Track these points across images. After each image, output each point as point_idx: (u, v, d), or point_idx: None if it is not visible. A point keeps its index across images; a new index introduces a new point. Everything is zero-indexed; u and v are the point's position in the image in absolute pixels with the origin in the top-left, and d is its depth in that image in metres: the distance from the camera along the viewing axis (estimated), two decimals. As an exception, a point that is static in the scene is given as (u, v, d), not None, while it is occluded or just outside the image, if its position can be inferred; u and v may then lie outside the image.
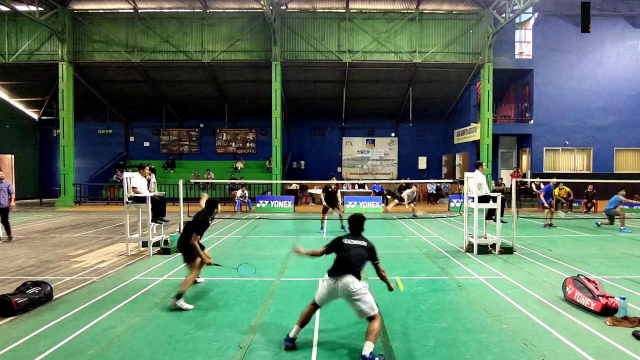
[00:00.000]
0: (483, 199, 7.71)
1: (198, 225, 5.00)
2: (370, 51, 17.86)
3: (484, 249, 7.74)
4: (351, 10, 17.88)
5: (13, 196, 9.46)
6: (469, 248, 7.91)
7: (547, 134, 18.43)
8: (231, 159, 22.75)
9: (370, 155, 23.21)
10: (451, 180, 19.56)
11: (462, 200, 12.59)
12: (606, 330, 4.06)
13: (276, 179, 17.60)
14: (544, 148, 18.52)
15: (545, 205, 11.68)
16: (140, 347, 3.73)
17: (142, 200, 7.56)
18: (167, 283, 5.81)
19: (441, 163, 23.27)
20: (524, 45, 19.08)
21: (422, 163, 22.93)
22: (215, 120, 22.48)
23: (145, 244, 7.93)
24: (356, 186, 19.70)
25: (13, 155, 21.40)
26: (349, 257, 3.68)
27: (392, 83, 20.16)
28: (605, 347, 3.69)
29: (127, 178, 7.60)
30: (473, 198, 7.66)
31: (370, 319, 3.53)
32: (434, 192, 20.05)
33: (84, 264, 7.03)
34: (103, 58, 18.06)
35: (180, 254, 5.33)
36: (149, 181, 7.99)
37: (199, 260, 4.97)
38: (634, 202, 12.99)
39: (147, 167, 7.98)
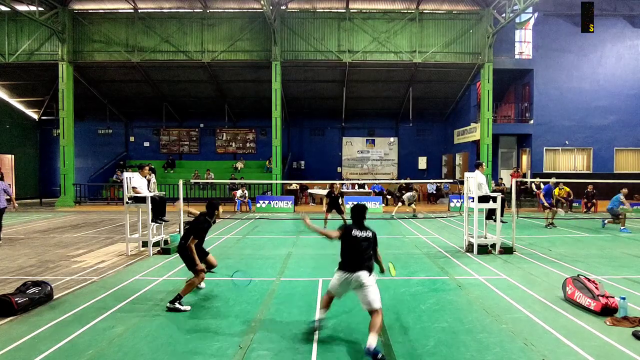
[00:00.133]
0: (483, 199, 7.71)
1: (196, 228, 4.94)
2: (370, 51, 17.86)
3: (484, 249, 7.74)
4: (351, 10, 17.88)
5: (13, 197, 9.38)
6: (469, 248, 7.91)
7: (547, 134, 18.43)
8: (231, 159, 22.75)
9: (370, 155, 23.21)
10: (451, 180, 19.57)
11: (462, 200, 12.59)
12: (606, 330, 4.06)
13: (276, 179, 17.60)
14: (544, 148, 18.53)
15: (546, 204, 11.67)
16: (140, 347, 3.73)
17: (142, 200, 7.56)
18: (167, 283, 5.81)
19: (441, 163, 23.27)
20: (524, 45, 19.09)
21: (422, 163, 22.93)
22: (215, 120, 22.48)
23: (145, 244, 7.93)
24: (356, 186, 19.70)
25: (13, 155, 21.41)
26: (361, 252, 3.86)
27: (392, 83, 20.16)
28: (605, 347, 3.69)
29: (127, 178, 7.60)
30: (473, 198, 7.66)
31: (374, 312, 3.66)
32: (434, 192, 20.06)
33: (84, 264, 7.03)
34: (103, 58, 18.06)
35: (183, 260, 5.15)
36: (149, 181, 8.00)
37: (202, 266, 4.88)
38: (634, 202, 12.99)
39: (147, 167, 7.98)
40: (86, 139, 22.47)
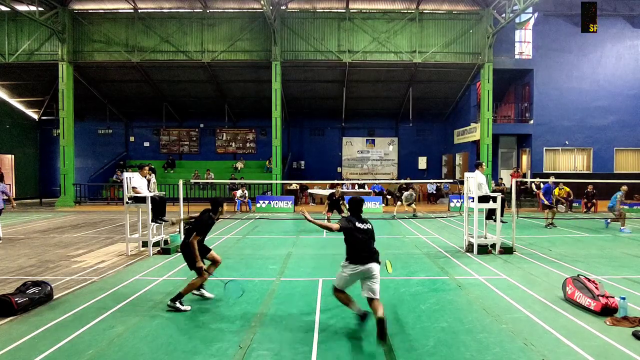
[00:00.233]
0: (483, 199, 7.71)
1: (199, 225, 4.86)
2: (370, 51, 17.86)
3: (484, 249, 7.74)
4: (351, 10, 17.88)
5: (12, 197, 9.28)
6: (469, 248, 7.91)
7: (547, 134, 18.43)
8: (231, 159, 22.75)
9: (370, 155, 23.22)
10: (451, 180, 19.57)
11: (462, 200, 12.59)
12: (606, 330, 4.06)
13: (276, 179, 17.61)
14: (544, 148, 18.53)
15: (547, 203, 11.67)
16: (140, 347, 3.73)
17: (142, 200, 7.56)
18: (167, 283, 5.81)
19: (441, 163, 23.27)
20: (524, 45, 19.08)
21: (422, 163, 22.93)
22: (215, 120, 22.49)
23: (145, 244, 7.94)
24: (356, 186, 19.70)
25: (13, 155, 21.42)
26: (368, 243, 4.06)
27: (392, 83, 20.16)
28: (605, 347, 3.69)
29: (127, 178, 7.60)
30: (473, 198, 7.66)
31: (375, 300, 3.93)
32: (434, 192, 20.06)
33: (84, 264, 7.03)
34: (103, 58, 18.07)
35: (185, 261, 5.00)
36: (149, 181, 8.00)
37: (202, 264, 4.80)
38: (634, 202, 13.00)
39: (147, 167, 7.98)
40: (86, 139, 22.48)
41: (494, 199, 7.76)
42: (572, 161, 18.83)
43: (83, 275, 6.23)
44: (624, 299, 4.37)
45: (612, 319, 4.24)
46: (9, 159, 21.29)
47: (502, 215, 8.03)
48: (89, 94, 20.42)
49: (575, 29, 17.20)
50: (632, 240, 9.39)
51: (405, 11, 17.92)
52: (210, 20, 17.87)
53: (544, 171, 18.22)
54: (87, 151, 22.59)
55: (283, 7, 17.43)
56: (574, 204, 15.86)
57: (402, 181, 18.65)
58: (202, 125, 22.89)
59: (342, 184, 18.98)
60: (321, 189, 18.24)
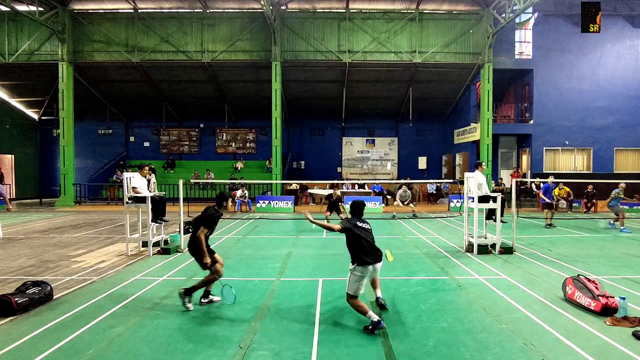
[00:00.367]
0: (483, 199, 7.71)
1: (207, 218, 4.75)
2: (370, 51, 17.86)
3: (484, 249, 7.74)
4: (351, 10, 17.88)
5: (7, 199, 8.96)
6: (469, 248, 7.91)
7: (547, 134, 18.43)
8: (231, 159, 22.75)
9: (370, 155, 23.21)
10: (451, 180, 19.56)
11: (462, 200, 12.59)
12: (606, 330, 4.06)
13: (276, 179, 17.61)
14: (544, 148, 18.52)
15: (547, 201, 11.68)
16: (140, 347, 3.73)
17: (142, 200, 7.56)
18: (167, 283, 5.81)
19: (441, 163, 23.27)
20: (524, 45, 19.08)
21: (422, 163, 22.93)
22: (215, 120, 22.49)
23: (145, 244, 7.93)
24: (356, 186, 19.70)
25: (13, 155, 21.42)
26: (373, 242, 4.29)
27: (392, 83, 20.16)
28: (605, 347, 3.69)
29: (127, 178, 7.60)
30: (473, 198, 7.66)
31: (375, 279, 4.73)
32: (434, 192, 20.06)
33: (84, 264, 7.03)
34: (103, 58, 18.06)
35: (193, 258, 4.92)
36: (149, 181, 8.00)
37: (217, 264, 4.73)
38: (634, 201, 13.01)
39: (147, 167, 7.98)
40: (86, 139, 22.48)
41: (494, 199, 7.76)
42: (572, 161, 18.83)
43: (83, 275, 6.23)
44: (624, 299, 4.37)
45: (612, 319, 4.24)
46: (9, 159, 21.29)
47: (502, 215, 8.03)
48: (89, 94, 20.42)
49: (575, 29, 17.21)
50: (632, 240, 9.39)
51: (405, 11, 17.92)
52: (210, 20, 17.87)
53: (544, 171, 18.22)
54: (87, 151, 22.59)
55: (283, 7, 17.43)
56: (574, 204, 15.86)
57: (402, 181, 18.65)
58: (202, 125, 22.89)
59: (342, 184, 19.01)
60: (321, 189, 18.23)
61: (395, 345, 3.75)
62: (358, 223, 4.31)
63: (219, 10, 17.90)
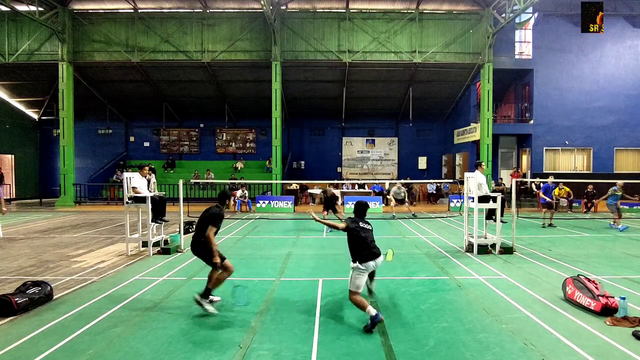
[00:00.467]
0: (483, 199, 7.71)
1: (214, 217, 4.68)
2: (370, 51, 17.86)
3: (484, 249, 7.74)
4: (351, 10, 17.88)
5: (2, 200, 8.61)
6: (469, 248, 7.91)
7: (547, 134, 18.43)
8: (231, 159, 22.75)
9: (370, 155, 23.22)
10: (451, 180, 19.56)
11: (462, 200, 12.58)
12: (606, 330, 4.06)
13: (276, 179, 17.61)
14: (544, 148, 18.53)
15: (548, 200, 11.68)
16: (140, 347, 3.73)
17: (142, 200, 7.56)
18: (167, 283, 5.81)
19: (441, 163, 23.27)
20: (524, 45, 19.08)
21: (422, 163, 22.93)
22: (215, 120, 22.49)
23: (145, 244, 7.93)
24: (356, 186, 19.70)
25: (13, 155, 21.42)
26: (373, 240, 4.49)
27: (392, 83, 20.16)
28: (605, 347, 3.69)
29: (127, 178, 7.60)
30: (473, 198, 7.66)
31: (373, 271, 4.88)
32: (434, 192, 20.05)
33: (84, 264, 7.03)
34: (103, 58, 18.07)
35: (197, 257, 4.82)
36: (149, 181, 8.00)
37: (219, 260, 4.60)
38: (634, 201, 13.01)
39: (147, 167, 7.98)
40: (86, 139, 22.48)
41: (494, 199, 7.76)
42: (572, 161, 18.83)
43: (83, 275, 6.23)
44: (624, 299, 4.37)
45: (612, 319, 4.24)
46: (9, 159, 21.29)
47: (502, 215, 8.03)
48: (89, 94, 20.42)
49: (575, 29, 17.21)
50: (632, 240, 9.39)
51: (405, 11, 17.92)
52: (210, 20, 17.87)
53: (544, 171, 18.22)
54: (87, 151, 22.59)
55: (283, 7, 17.43)
56: (574, 204, 15.86)
57: (402, 181, 18.65)
58: (202, 125, 22.90)
59: (342, 184, 19.01)
60: (321, 189, 18.22)
61: (395, 345, 3.75)
62: (360, 223, 4.51)
63: (219, 10, 17.90)
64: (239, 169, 21.61)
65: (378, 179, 21.91)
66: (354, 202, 4.78)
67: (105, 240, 9.36)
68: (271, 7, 15.68)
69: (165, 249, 7.82)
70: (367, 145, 23.23)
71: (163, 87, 20.54)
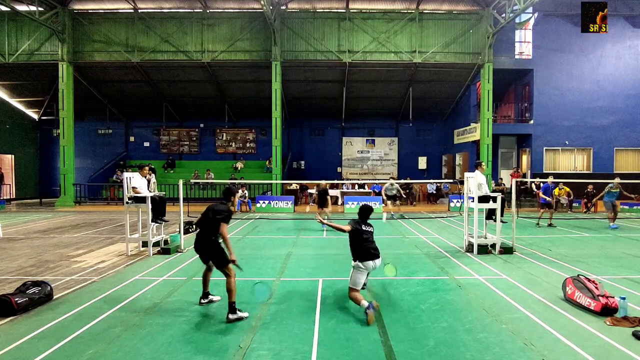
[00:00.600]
0: (483, 199, 7.71)
1: (225, 213, 4.59)
2: (370, 51, 17.86)
3: (484, 249, 7.74)
4: (351, 10, 17.88)
5: None
6: (469, 248, 7.91)
7: (547, 134, 18.43)
8: (231, 159, 22.76)
9: (370, 155, 23.22)
10: (451, 180, 19.56)
11: (462, 200, 12.58)
12: (606, 330, 4.06)
13: (276, 179, 17.61)
14: (544, 148, 18.53)
15: (547, 199, 11.68)
16: (140, 347, 3.73)
17: (142, 200, 7.56)
18: (167, 283, 5.81)
19: (441, 163, 23.27)
20: (524, 45, 19.08)
21: (422, 163, 22.94)
22: (215, 120, 22.49)
23: (145, 244, 7.93)
24: (356, 186, 19.70)
25: (13, 155, 21.43)
26: (374, 244, 4.74)
27: (392, 83, 20.16)
28: (605, 347, 3.69)
29: (127, 178, 7.60)
30: (473, 198, 7.66)
31: None
32: (434, 192, 20.05)
33: (84, 264, 7.03)
34: (103, 58, 18.07)
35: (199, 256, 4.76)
36: (149, 181, 8.00)
37: (235, 257, 4.51)
38: (634, 201, 13.03)
39: (147, 167, 7.97)
40: (86, 139, 22.48)
41: (494, 199, 7.76)
42: (572, 161, 18.83)
43: (83, 275, 6.23)
44: (624, 299, 4.37)
45: (612, 319, 4.24)
46: (9, 159, 21.30)
47: (502, 215, 8.03)
48: (89, 94, 20.42)
49: (575, 29, 17.21)
50: (632, 240, 9.39)
51: (405, 11, 17.92)
52: (210, 20, 17.87)
53: (544, 171, 18.22)
54: (87, 151, 22.59)
55: (283, 7, 17.43)
56: (574, 204, 15.86)
57: (402, 181, 18.66)
58: (202, 125, 22.90)
59: (342, 184, 19.02)
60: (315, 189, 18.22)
61: (395, 345, 3.75)
62: (363, 226, 4.77)
63: (219, 10, 17.90)
64: (239, 169, 21.61)
65: (378, 179, 21.90)
66: (359, 206, 5.03)
67: (105, 240, 9.37)
68: (271, 7, 15.68)
69: (165, 249, 7.82)
70: (367, 145, 23.23)
71: (163, 87, 20.54)
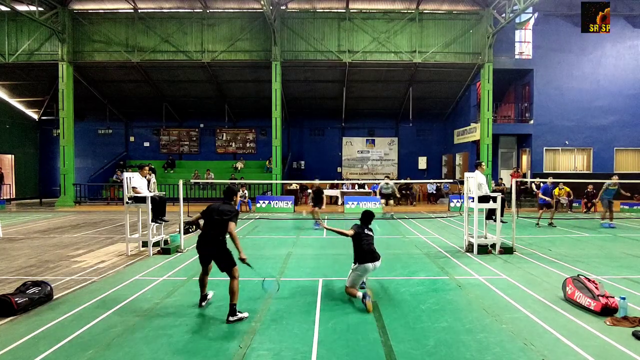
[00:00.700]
0: (483, 199, 7.71)
1: (232, 213, 4.55)
2: (370, 51, 17.86)
3: (484, 249, 7.74)
4: (351, 10, 17.88)
5: None
6: (469, 248, 7.91)
7: (547, 134, 18.43)
8: (231, 159, 22.75)
9: (370, 155, 23.21)
10: (451, 180, 19.56)
11: (462, 200, 12.59)
12: (606, 330, 4.06)
13: (276, 179, 17.61)
14: (544, 148, 18.53)
15: (547, 199, 11.67)
16: (140, 347, 3.73)
17: (142, 200, 7.56)
18: (167, 283, 5.81)
19: (441, 163, 23.27)
20: (524, 45, 19.09)
21: (422, 163, 22.93)
22: (215, 120, 22.49)
23: (145, 244, 7.93)
24: (356, 186, 19.70)
25: (13, 155, 21.43)
26: (373, 247, 5.05)
27: (392, 83, 20.16)
28: (605, 347, 3.69)
29: (127, 178, 7.60)
30: (473, 198, 7.66)
31: None
32: (434, 192, 20.05)
33: (84, 264, 7.03)
34: (103, 58, 18.07)
35: (200, 256, 4.72)
36: (149, 181, 8.00)
37: (245, 256, 4.42)
38: (634, 202, 13.02)
39: (147, 167, 7.97)
40: (86, 139, 22.48)
41: (494, 199, 7.76)
42: (572, 161, 18.83)
43: (83, 275, 6.23)
44: (624, 299, 4.37)
45: (612, 319, 4.24)
46: (9, 159, 21.30)
47: (502, 215, 8.03)
48: (89, 94, 20.42)
49: (575, 29, 17.20)
50: (632, 240, 9.39)
51: (405, 11, 17.92)
52: (210, 20, 17.87)
53: (544, 171, 18.22)
54: (87, 151, 22.59)
55: (283, 7, 17.43)
56: (574, 204, 15.86)
57: (402, 181, 18.66)
58: (202, 125, 22.89)
59: (342, 184, 19.02)
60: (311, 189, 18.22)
61: (395, 345, 3.75)
62: (365, 230, 5.08)
63: (219, 10, 17.90)
64: (239, 169, 21.61)
65: (378, 179, 21.88)
66: (362, 212, 5.32)
67: (105, 240, 9.37)
68: (271, 7, 15.68)
69: (165, 249, 7.82)
70: (367, 145, 23.23)
71: (163, 87, 20.54)
